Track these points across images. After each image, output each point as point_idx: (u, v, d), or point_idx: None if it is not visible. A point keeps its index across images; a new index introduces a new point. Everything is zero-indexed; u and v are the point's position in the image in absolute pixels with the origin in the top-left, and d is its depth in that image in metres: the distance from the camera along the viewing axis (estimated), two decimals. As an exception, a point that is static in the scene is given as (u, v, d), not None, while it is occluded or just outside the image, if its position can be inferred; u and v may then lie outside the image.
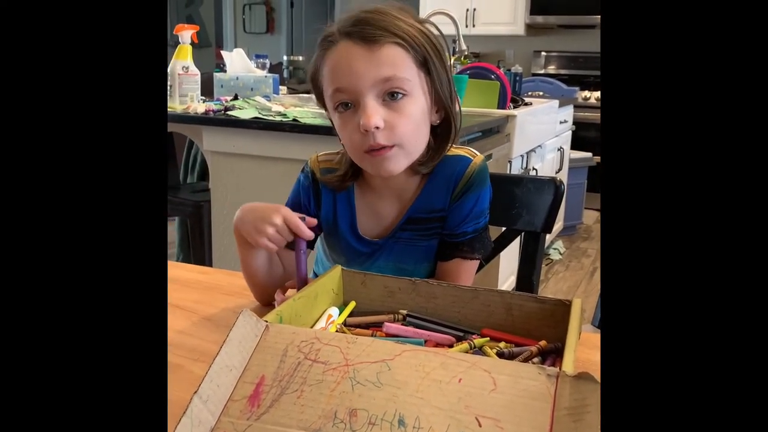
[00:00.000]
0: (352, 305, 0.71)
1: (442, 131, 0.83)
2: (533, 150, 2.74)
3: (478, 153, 0.86)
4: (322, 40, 0.78)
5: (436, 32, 0.80)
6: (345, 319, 0.69)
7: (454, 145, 0.85)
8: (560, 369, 0.47)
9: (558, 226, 3.51)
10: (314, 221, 0.78)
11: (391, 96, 0.75)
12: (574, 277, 3.08)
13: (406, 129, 0.76)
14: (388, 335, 0.65)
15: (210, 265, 1.97)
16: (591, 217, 4.23)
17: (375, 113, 0.74)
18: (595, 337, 0.76)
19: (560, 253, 3.40)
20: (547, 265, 3.24)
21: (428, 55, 0.77)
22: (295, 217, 0.75)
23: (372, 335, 0.65)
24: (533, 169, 2.75)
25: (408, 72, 0.75)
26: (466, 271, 0.85)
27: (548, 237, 3.56)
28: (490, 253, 0.90)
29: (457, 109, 0.83)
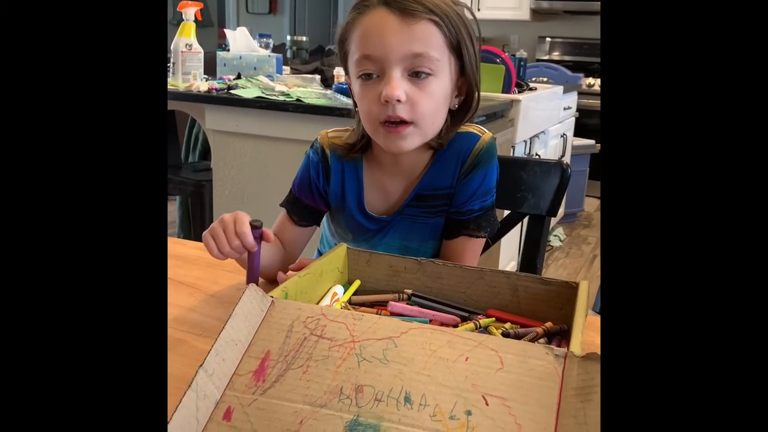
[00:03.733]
0: (356, 284, 0.71)
1: (457, 113, 0.83)
2: (536, 136, 2.73)
3: (486, 131, 0.85)
4: (358, 4, 0.77)
5: (470, 16, 0.79)
6: (350, 298, 0.68)
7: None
8: (568, 349, 0.47)
9: (559, 213, 3.50)
10: (270, 236, 0.73)
11: (417, 74, 0.75)
12: (574, 264, 3.08)
13: (426, 108, 0.75)
14: (393, 314, 0.65)
15: (211, 244, 1.97)
16: (592, 205, 4.22)
17: (399, 86, 0.73)
18: (598, 321, 0.76)
19: (560, 240, 3.40)
20: (547, 251, 3.24)
21: (462, 38, 0.77)
22: (242, 220, 0.71)
23: (377, 314, 0.64)
24: (536, 154, 2.74)
25: (438, 52, 0.75)
26: (471, 249, 0.84)
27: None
28: (495, 234, 0.89)
29: (478, 93, 0.83)
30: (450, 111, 0.82)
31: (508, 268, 2.41)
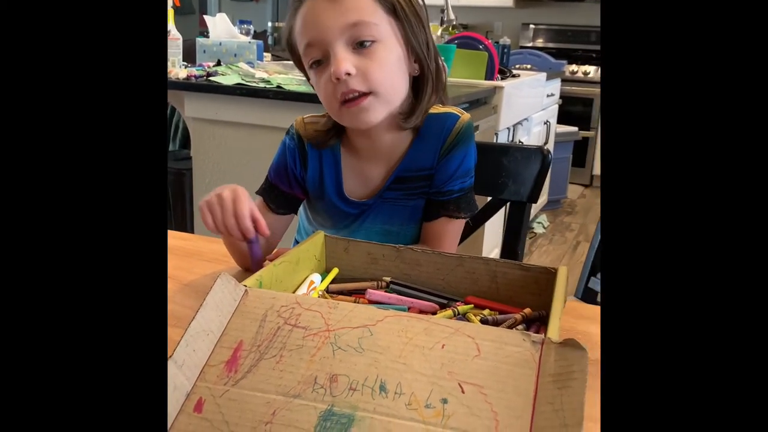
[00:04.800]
0: (334, 272, 0.70)
1: (423, 84, 0.82)
2: (520, 123, 2.73)
3: (465, 112, 0.84)
4: (293, 2, 0.78)
5: None
6: (327, 286, 0.67)
7: (440, 105, 0.84)
8: (545, 336, 0.46)
9: (542, 200, 3.51)
10: (265, 230, 0.71)
11: (361, 44, 0.74)
12: (558, 250, 3.09)
13: (379, 75, 0.75)
14: (371, 302, 0.64)
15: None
16: (575, 192, 4.24)
17: (345, 60, 0.73)
18: (580, 306, 0.75)
19: (544, 227, 3.41)
20: (531, 238, 3.25)
21: (396, 2, 0.76)
22: (242, 202, 0.69)
23: (355, 302, 0.63)
24: (520, 141, 2.74)
25: (376, 17, 0.74)
26: (452, 230, 0.84)
27: (532, 211, 3.56)
28: (476, 220, 0.89)
29: (436, 62, 0.81)
30: (416, 85, 0.81)
31: (491, 256, 2.42)
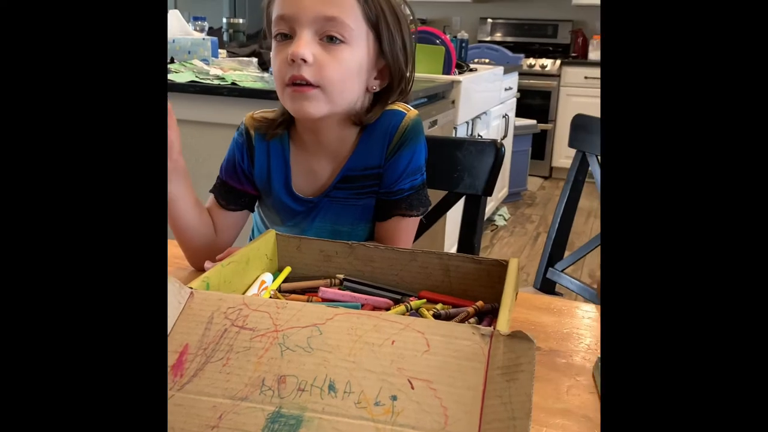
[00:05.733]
0: (287, 271, 0.69)
1: (382, 94, 0.82)
2: (478, 117, 2.75)
3: (411, 108, 0.84)
4: None
5: (407, 11, 0.80)
6: (279, 285, 0.66)
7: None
8: (494, 328, 0.46)
9: (503, 192, 3.55)
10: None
11: (330, 39, 0.74)
12: (519, 242, 3.13)
13: (334, 73, 0.74)
14: (324, 300, 0.63)
15: (148, 235, 1.90)
16: (535, 184, 4.30)
17: (306, 46, 0.73)
18: (534, 298, 0.76)
19: (505, 219, 3.45)
20: (492, 231, 3.28)
21: (383, 16, 0.76)
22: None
23: (308, 301, 0.63)
24: (478, 135, 2.76)
25: (353, 21, 0.74)
26: (405, 228, 0.84)
27: (494, 203, 3.58)
28: (431, 215, 0.88)
29: (409, 73, 0.82)
30: (376, 94, 0.81)
31: (452, 251, 2.43)
